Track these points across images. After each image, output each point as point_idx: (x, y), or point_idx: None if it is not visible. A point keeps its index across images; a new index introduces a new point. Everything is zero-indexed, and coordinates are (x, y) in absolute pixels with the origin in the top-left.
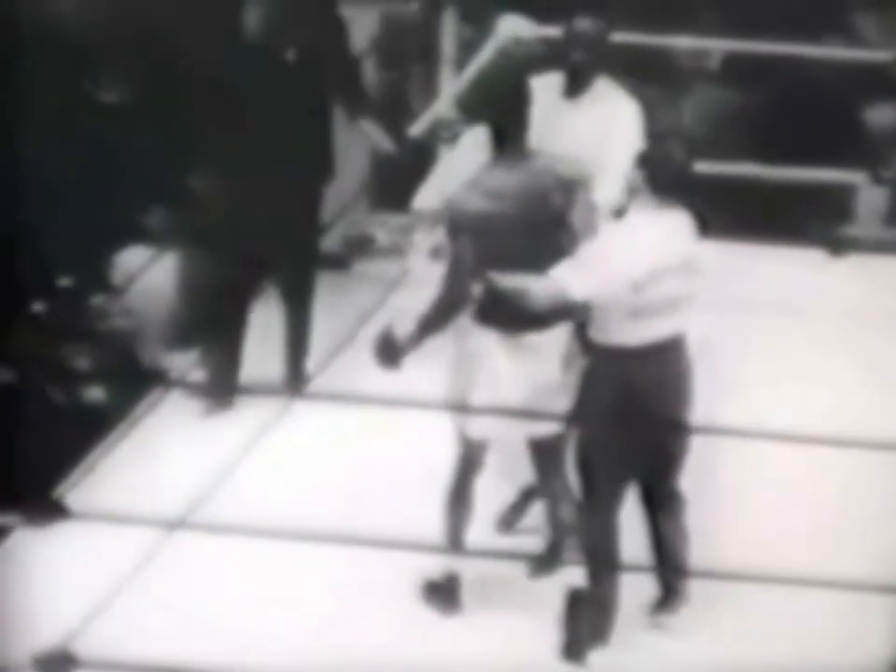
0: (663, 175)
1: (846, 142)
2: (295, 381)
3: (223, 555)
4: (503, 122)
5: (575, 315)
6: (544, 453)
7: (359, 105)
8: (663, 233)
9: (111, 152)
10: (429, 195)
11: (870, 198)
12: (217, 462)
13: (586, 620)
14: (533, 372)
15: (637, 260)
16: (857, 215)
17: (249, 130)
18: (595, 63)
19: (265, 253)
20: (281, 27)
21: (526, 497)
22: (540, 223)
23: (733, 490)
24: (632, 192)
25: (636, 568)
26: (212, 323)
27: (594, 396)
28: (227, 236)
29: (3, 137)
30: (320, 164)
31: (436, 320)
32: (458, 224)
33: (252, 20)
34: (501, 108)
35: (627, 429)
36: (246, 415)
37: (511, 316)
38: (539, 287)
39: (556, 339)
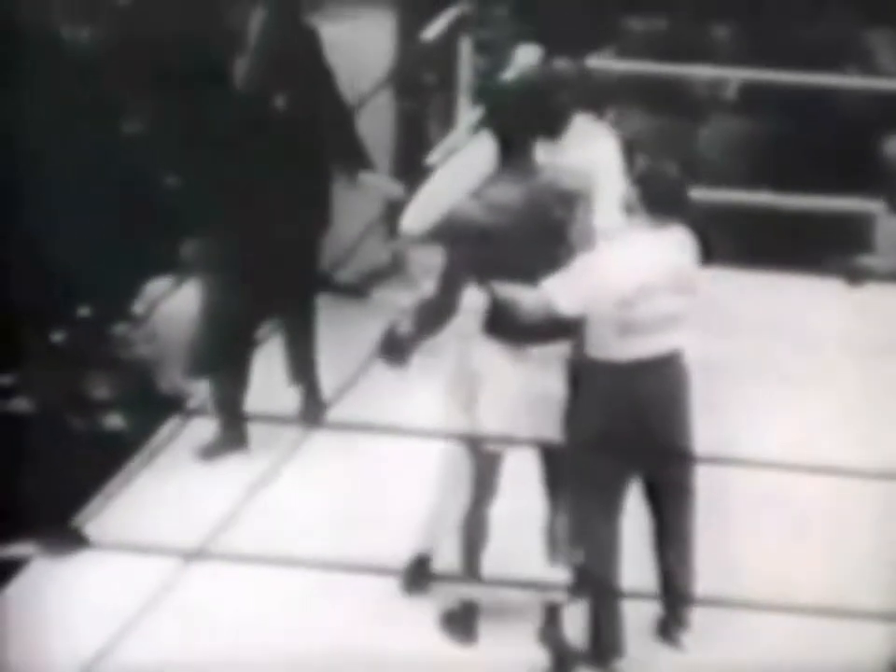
0: (657, 194)
1: (863, 171)
2: (313, 411)
3: (241, 584)
4: (513, 134)
5: (573, 328)
6: (553, 464)
7: (355, 158)
8: (655, 251)
9: (132, 183)
10: (417, 217)
11: (888, 227)
12: (235, 491)
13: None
14: (538, 385)
15: (625, 277)
16: (875, 244)
17: (240, 177)
18: (574, 102)
19: (264, 295)
20: (268, 75)
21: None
22: (540, 236)
23: (739, 518)
24: (627, 210)
25: (639, 595)
26: (220, 354)
27: (587, 408)
28: (229, 275)
29: (27, 166)
30: (313, 213)
31: (427, 323)
32: (458, 233)
33: (241, 67)
34: (515, 119)
35: (619, 441)
36: (264, 445)
37: (516, 329)
38: (529, 297)
39: (561, 352)
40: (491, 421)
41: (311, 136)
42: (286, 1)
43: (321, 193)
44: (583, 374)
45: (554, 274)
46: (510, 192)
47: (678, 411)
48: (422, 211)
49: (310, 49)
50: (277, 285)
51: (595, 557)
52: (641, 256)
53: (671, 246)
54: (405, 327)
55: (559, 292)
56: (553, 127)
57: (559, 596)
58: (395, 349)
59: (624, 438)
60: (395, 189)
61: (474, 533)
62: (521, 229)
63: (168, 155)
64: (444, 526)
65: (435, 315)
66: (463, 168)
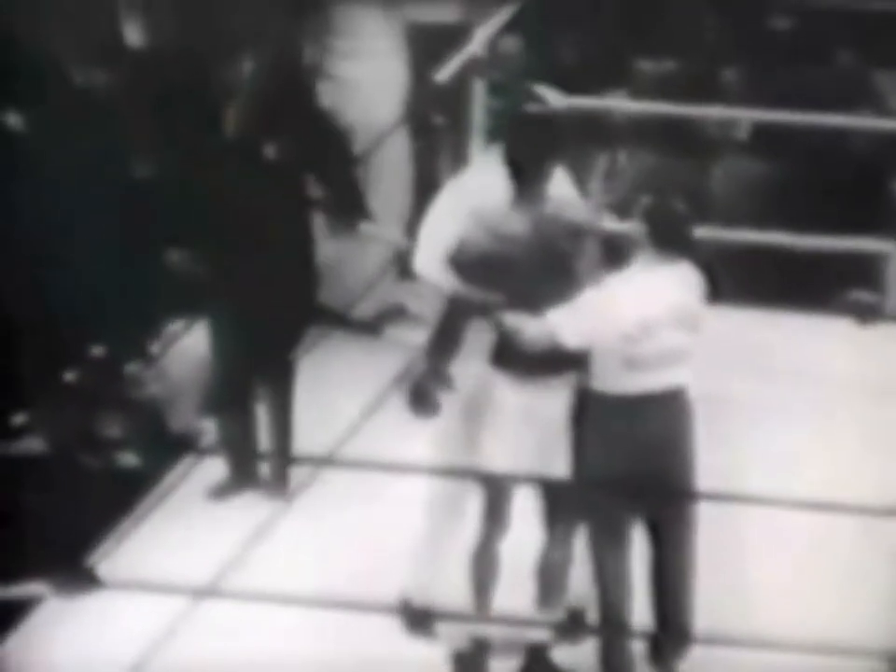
0: (663, 230)
1: (874, 211)
2: (278, 482)
3: (253, 623)
4: (528, 164)
5: (578, 360)
6: (554, 498)
7: (355, 209)
8: (661, 287)
9: (145, 224)
10: (430, 261)
11: None
12: (246, 530)
13: None
14: (543, 416)
15: (630, 312)
16: (885, 284)
17: (229, 225)
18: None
19: (260, 343)
20: (258, 124)
21: None
22: (547, 267)
23: (740, 555)
24: (634, 246)
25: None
26: (223, 396)
27: (591, 441)
28: (225, 319)
29: (39, 205)
30: (298, 267)
31: (437, 350)
32: (464, 263)
33: (231, 115)
34: (533, 149)
35: (623, 474)
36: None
37: (522, 360)
38: (533, 327)
39: (568, 384)
40: (497, 452)
41: (301, 188)
42: (278, 51)
43: (306, 245)
44: (588, 407)
45: (560, 307)
46: (518, 222)
47: (681, 446)
48: (433, 253)
49: (304, 99)
50: (268, 337)
51: (606, 592)
52: (647, 292)
53: (677, 283)
54: (427, 375)
55: (564, 324)
56: (563, 159)
57: (544, 637)
58: (422, 399)
59: (628, 471)
60: (396, 238)
61: (485, 568)
62: (528, 259)
63: (169, 201)
64: (436, 565)
65: (440, 342)
66: (460, 200)
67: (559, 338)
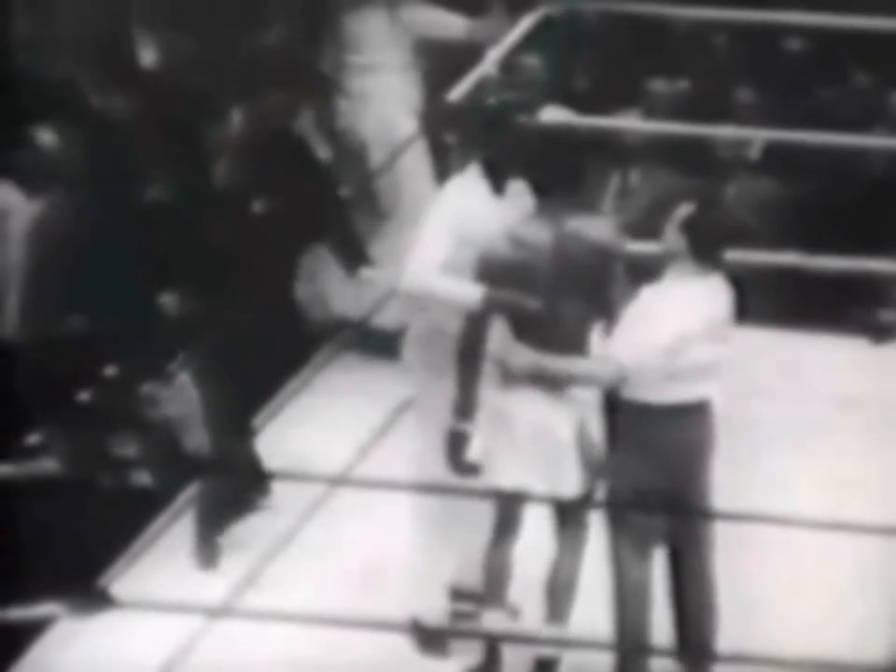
0: (706, 242)
1: (887, 232)
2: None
3: (267, 642)
4: (551, 175)
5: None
6: (568, 514)
7: (353, 255)
8: (697, 298)
9: (155, 247)
10: (422, 273)
11: None
12: (260, 548)
13: None
14: (557, 431)
15: (671, 323)
16: None
17: (214, 269)
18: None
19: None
20: (247, 177)
21: None
22: (570, 284)
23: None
24: (670, 257)
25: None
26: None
27: (624, 452)
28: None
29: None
30: (279, 323)
31: (466, 371)
32: (487, 272)
33: (220, 168)
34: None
35: (656, 484)
36: (287, 501)
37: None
38: (592, 368)
39: (593, 395)
40: (508, 468)
41: (289, 236)
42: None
43: (290, 299)
44: (622, 417)
45: (582, 324)
46: (538, 232)
47: (707, 458)
48: (423, 263)
49: (294, 152)
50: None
51: (628, 606)
52: (685, 303)
53: (711, 295)
54: (465, 426)
55: (620, 349)
56: (580, 179)
57: (553, 652)
58: (461, 453)
59: (660, 481)
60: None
61: (497, 571)
62: (551, 271)
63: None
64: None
65: (466, 357)
66: (445, 211)
67: (620, 365)
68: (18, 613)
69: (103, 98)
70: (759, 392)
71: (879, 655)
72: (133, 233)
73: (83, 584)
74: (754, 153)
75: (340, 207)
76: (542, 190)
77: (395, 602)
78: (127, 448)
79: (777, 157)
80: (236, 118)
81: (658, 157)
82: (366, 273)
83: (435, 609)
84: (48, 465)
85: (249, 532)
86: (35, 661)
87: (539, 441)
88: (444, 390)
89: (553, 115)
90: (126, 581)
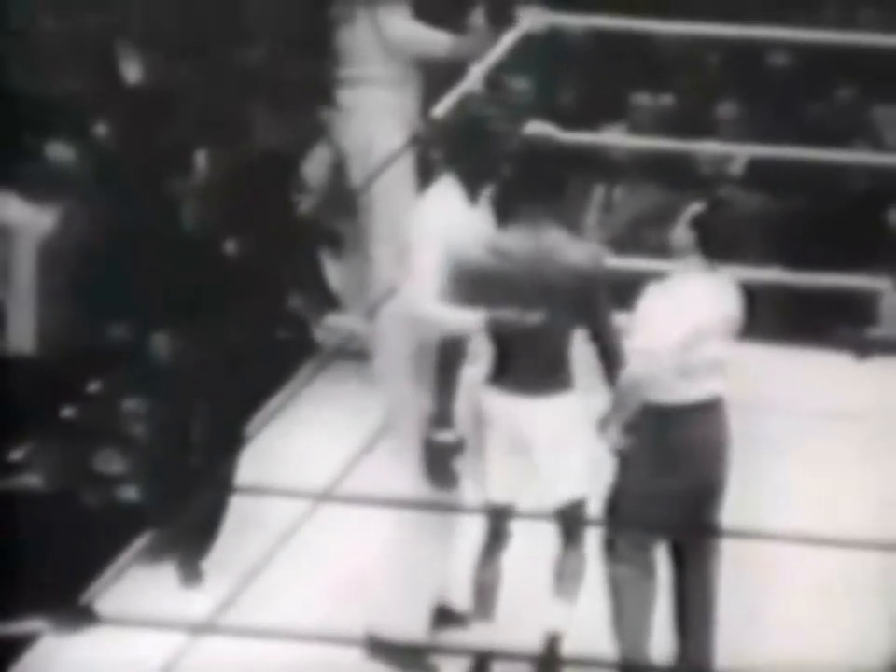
0: (715, 239)
1: (871, 247)
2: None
3: (251, 659)
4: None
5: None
6: (567, 520)
7: (321, 301)
8: (706, 295)
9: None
10: (427, 295)
11: (893, 301)
12: (244, 565)
13: None
14: (541, 439)
15: (685, 319)
16: (880, 317)
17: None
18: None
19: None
20: (218, 219)
21: None
22: (546, 296)
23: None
24: (679, 253)
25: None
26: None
27: (637, 451)
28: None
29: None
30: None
31: (440, 380)
32: (462, 280)
33: (189, 210)
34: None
35: (661, 483)
36: (272, 518)
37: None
38: (633, 372)
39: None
40: (492, 479)
41: (262, 280)
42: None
43: (267, 343)
44: (633, 420)
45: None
46: (516, 242)
47: (724, 454)
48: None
49: (266, 195)
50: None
51: (629, 616)
52: (696, 300)
53: (720, 292)
54: (443, 436)
55: (640, 346)
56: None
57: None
58: (439, 465)
59: (675, 479)
60: (361, 329)
61: (487, 579)
62: (525, 281)
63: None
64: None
65: (442, 368)
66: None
67: (652, 361)
68: (2, 629)
69: (92, 114)
70: (754, 405)
71: (877, 665)
72: (126, 252)
73: (67, 600)
74: (737, 168)
75: (310, 253)
76: (523, 199)
77: (379, 617)
78: (111, 464)
79: (760, 172)
80: (206, 155)
81: (642, 172)
82: (331, 319)
83: (418, 623)
84: (32, 480)
85: (234, 547)
86: None
87: (520, 448)
88: (419, 401)
89: (536, 130)
90: (110, 597)
